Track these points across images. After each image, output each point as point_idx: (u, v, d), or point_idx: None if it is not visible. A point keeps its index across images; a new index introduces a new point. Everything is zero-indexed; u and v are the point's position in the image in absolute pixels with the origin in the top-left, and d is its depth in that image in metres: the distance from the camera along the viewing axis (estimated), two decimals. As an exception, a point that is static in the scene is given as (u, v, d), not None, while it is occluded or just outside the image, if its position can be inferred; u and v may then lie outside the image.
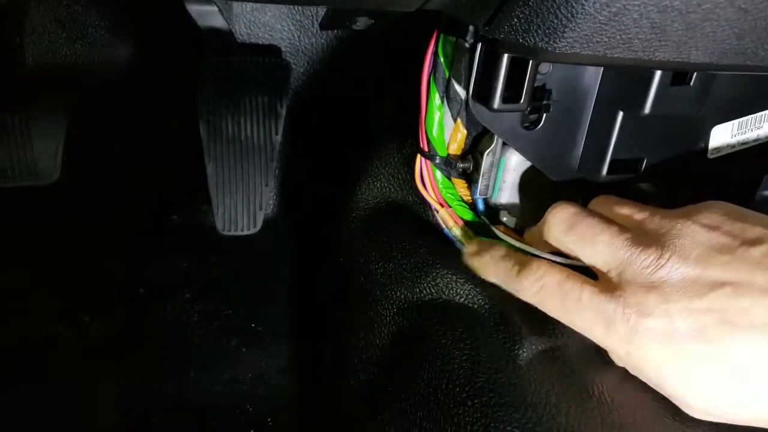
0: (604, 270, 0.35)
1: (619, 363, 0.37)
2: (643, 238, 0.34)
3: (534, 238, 0.41)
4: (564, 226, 0.37)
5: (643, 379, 0.35)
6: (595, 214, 0.37)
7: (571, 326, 0.36)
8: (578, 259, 0.37)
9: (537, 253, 0.40)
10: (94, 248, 0.61)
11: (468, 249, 0.44)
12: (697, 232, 0.33)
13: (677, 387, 0.33)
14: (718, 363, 0.31)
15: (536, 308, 0.41)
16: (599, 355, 0.38)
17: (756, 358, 0.30)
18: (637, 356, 0.34)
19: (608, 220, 0.37)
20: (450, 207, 0.47)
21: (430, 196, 0.47)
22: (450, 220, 0.46)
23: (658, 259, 0.33)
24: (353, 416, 0.45)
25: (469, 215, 0.47)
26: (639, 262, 0.33)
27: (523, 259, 0.39)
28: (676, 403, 0.34)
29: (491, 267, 0.41)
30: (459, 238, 0.46)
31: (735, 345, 0.31)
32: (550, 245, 0.39)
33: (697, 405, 0.33)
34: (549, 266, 0.37)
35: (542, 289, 0.36)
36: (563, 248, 0.38)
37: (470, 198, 0.47)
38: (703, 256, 0.32)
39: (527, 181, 0.47)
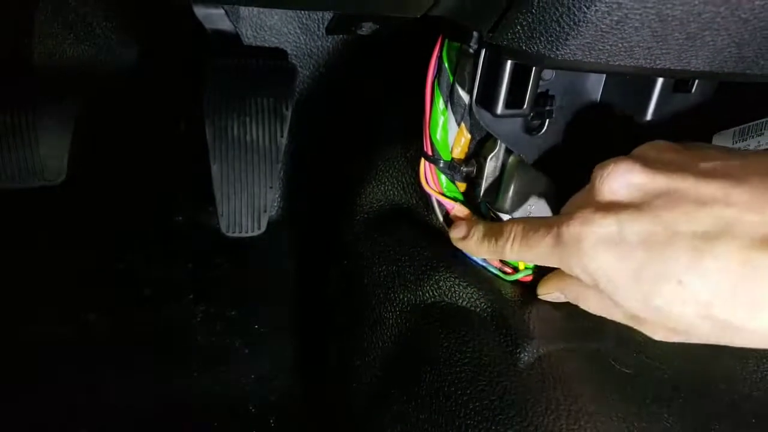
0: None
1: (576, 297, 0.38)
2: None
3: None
4: None
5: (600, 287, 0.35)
6: None
7: (542, 264, 0.38)
8: None
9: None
10: (100, 248, 0.61)
11: (453, 234, 0.45)
12: (646, 149, 0.35)
13: (623, 290, 0.33)
14: (663, 267, 0.31)
15: (538, 312, 0.42)
16: (601, 360, 0.38)
17: (697, 264, 0.30)
18: (583, 265, 0.34)
19: None
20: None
21: (437, 192, 0.47)
22: (467, 211, 0.46)
23: (604, 171, 0.34)
24: (355, 418, 0.46)
25: (471, 219, 0.47)
26: (592, 180, 0.35)
27: (497, 228, 0.40)
28: (620, 313, 0.35)
29: (477, 247, 0.42)
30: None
31: (678, 251, 0.31)
32: None
33: (640, 309, 0.33)
34: (514, 221, 0.39)
35: (513, 242, 0.38)
36: None
37: (473, 202, 0.48)
38: (650, 166, 0.33)
39: (530, 186, 0.47)
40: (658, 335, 0.35)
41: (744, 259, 0.29)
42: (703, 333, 0.32)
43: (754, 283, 0.29)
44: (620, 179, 0.33)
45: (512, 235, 0.38)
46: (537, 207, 0.47)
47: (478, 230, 0.42)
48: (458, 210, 0.47)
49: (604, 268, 0.33)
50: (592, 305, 0.38)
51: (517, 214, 0.48)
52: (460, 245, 0.44)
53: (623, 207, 0.33)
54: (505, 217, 0.48)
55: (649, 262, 0.31)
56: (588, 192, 0.35)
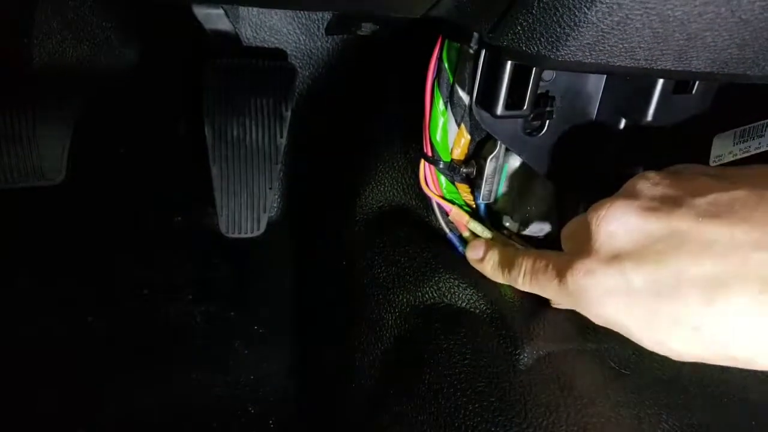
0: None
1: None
2: (598, 202, 0.35)
3: None
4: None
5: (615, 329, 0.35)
6: None
7: (552, 298, 0.38)
8: None
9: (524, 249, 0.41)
10: (99, 249, 0.61)
11: (470, 255, 0.44)
12: (641, 185, 0.34)
13: (637, 331, 0.33)
14: (672, 311, 0.31)
15: (538, 314, 0.42)
16: (600, 362, 0.38)
17: (705, 307, 0.30)
18: (593, 312, 0.34)
19: None
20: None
21: (437, 195, 0.47)
22: (465, 217, 0.46)
23: (599, 212, 0.33)
24: (354, 419, 0.46)
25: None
26: (589, 224, 0.34)
27: (511, 258, 0.40)
28: (633, 340, 0.34)
29: (492, 273, 0.42)
30: (469, 239, 0.46)
31: (686, 296, 0.30)
32: None
33: (654, 346, 0.33)
34: (525, 255, 0.38)
35: (525, 277, 0.38)
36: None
37: (473, 203, 0.48)
38: (647, 206, 0.32)
39: (530, 187, 0.47)
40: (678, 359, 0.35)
41: (759, 300, 0.29)
42: (723, 362, 0.32)
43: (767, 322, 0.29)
44: (617, 223, 0.33)
45: (523, 270, 0.38)
46: (536, 208, 0.47)
47: (494, 256, 0.42)
48: (455, 214, 0.47)
49: (616, 316, 0.33)
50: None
51: (516, 216, 0.48)
52: (476, 266, 0.44)
53: (625, 254, 0.32)
54: (508, 222, 0.48)
55: (660, 309, 0.31)
56: (586, 232, 0.34)
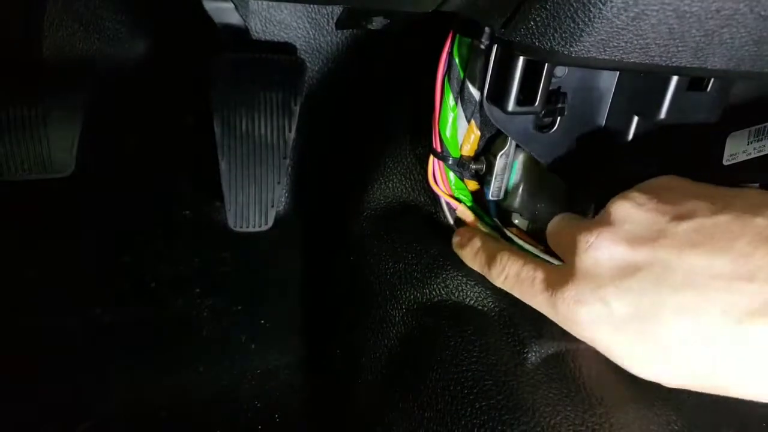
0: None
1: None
2: (586, 222, 0.36)
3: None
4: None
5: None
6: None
7: (533, 306, 0.38)
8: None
9: (536, 252, 0.41)
10: (107, 241, 0.61)
11: (454, 238, 0.45)
12: (627, 211, 0.34)
13: (622, 359, 0.34)
14: (654, 340, 0.32)
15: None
16: (608, 361, 0.38)
17: (685, 338, 0.31)
18: (582, 335, 0.35)
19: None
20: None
21: (445, 193, 0.47)
22: (471, 216, 0.46)
23: (589, 239, 0.34)
24: (361, 415, 0.46)
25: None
26: (576, 245, 0.34)
27: (492, 251, 0.41)
28: (625, 368, 0.35)
29: (470, 259, 0.43)
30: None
31: (667, 325, 0.31)
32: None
33: (640, 373, 0.34)
34: (510, 256, 0.39)
35: (506, 278, 0.39)
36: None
37: (482, 199, 0.47)
38: (632, 235, 0.33)
39: (540, 184, 0.46)
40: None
41: (739, 330, 0.29)
42: (710, 391, 0.32)
43: (746, 354, 0.30)
44: (602, 251, 0.33)
45: (505, 272, 0.39)
46: (546, 205, 0.47)
47: (474, 244, 0.43)
48: (461, 212, 0.46)
49: (600, 339, 0.34)
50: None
51: (525, 214, 0.47)
52: (456, 251, 0.45)
53: (608, 283, 0.33)
54: (517, 219, 0.48)
55: (642, 337, 0.32)
56: (571, 249, 0.35)
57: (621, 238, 0.33)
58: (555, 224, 0.39)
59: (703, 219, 0.32)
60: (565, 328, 0.36)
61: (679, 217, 0.32)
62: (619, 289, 0.32)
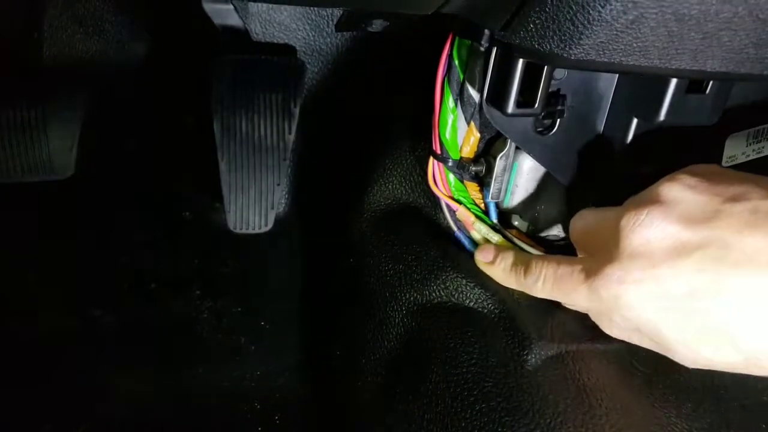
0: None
1: (615, 334, 0.37)
2: (630, 203, 0.35)
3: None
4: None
5: (636, 340, 0.35)
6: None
7: (576, 309, 0.38)
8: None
9: (537, 253, 0.41)
10: (107, 243, 0.62)
11: (481, 257, 0.44)
12: (678, 192, 0.33)
13: (671, 340, 0.33)
14: (709, 319, 0.31)
15: (546, 313, 0.41)
16: (609, 363, 0.38)
17: (744, 317, 0.30)
18: (626, 317, 0.34)
19: None
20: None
21: (445, 195, 0.47)
22: (471, 217, 0.46)
23: (639, 217, 0.33)
24: (360, 416, 0.46)
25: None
26: (621, 226, 0.34)
27: (525, 261, 0.40)
28: (667, 354, 0.34)
29: (503, 274, 0.42)
30: (477, 239, 0.46)
31: (726, 304, 0.31)
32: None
33: (685, 356, 0.33)
34: (544, 260, 0.38)
35: (544, 283, 0.38)
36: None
37: (482, 201, 0.47)
38: (687, 215, 0.32)
39: (540, 186, 0.47)
40: (692, 366, 0.35)
41: None
42: (756, 373, 0.32)
43: None
44: (654, 230, 0.32)
45: (542, 275, 0.38)
46: (546, 207, 0.47)
47: (506, 259, 0.42)
48: (461, 214, 0.46)
49: (648, 319, 0.33)
50: (615, 332, 0.37)
51: (525, 215, 0.47)
52: (485, 270, 0.44)
53: (661, 262, 0.32)
54: (517, 221, 0.48)
55: (696, 315, 0.31)
56: (613, 235, 0.34)
57: (674, 218, 0.32)
58: (582, 218, 0.38)
59: (757, 201, 0.31)
60: (604, 318, 0.35)
61: (733, 199, 0.32)
62: (675, 269, 0.31)
